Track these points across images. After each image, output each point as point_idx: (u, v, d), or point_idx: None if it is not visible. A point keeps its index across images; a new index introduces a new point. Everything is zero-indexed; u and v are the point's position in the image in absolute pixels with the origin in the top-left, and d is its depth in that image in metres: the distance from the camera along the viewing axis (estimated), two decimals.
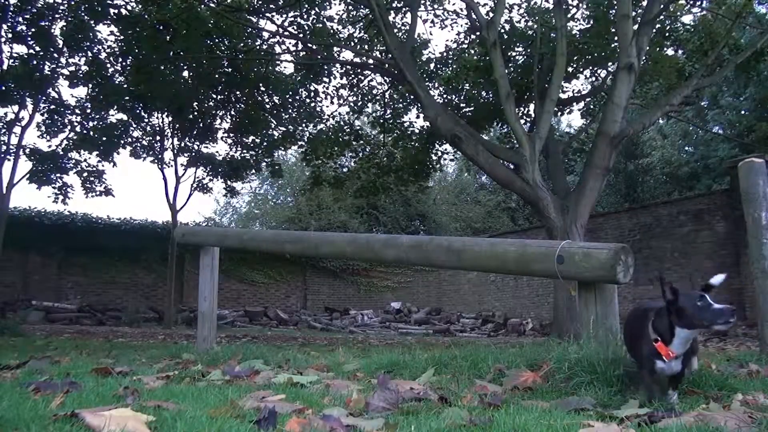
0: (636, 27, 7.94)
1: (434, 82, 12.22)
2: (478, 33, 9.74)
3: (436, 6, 11.89)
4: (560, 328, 7.62)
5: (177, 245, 11.86)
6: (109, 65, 11.26)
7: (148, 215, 19.37)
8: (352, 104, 12.79)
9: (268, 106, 12.39)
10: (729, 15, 9.47)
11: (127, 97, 11.21)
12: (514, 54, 11.42)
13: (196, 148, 13.35)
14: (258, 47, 11.67)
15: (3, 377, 2.33)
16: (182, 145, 13.16)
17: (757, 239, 3.26)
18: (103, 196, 12.25)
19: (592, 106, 12.50)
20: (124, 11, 10.34)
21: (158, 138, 12.94)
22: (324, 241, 3.79)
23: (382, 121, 12.74)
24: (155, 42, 9.85)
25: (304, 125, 13.00)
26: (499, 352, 2.65)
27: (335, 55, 11.99)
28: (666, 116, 12.89)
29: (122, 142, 12.31)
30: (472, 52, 11.91)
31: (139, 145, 12.82)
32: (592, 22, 10.82)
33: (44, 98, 10.99)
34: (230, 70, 11.55)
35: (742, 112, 19.36)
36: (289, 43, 11.66)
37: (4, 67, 10.05)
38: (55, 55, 10.72)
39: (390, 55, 8.84)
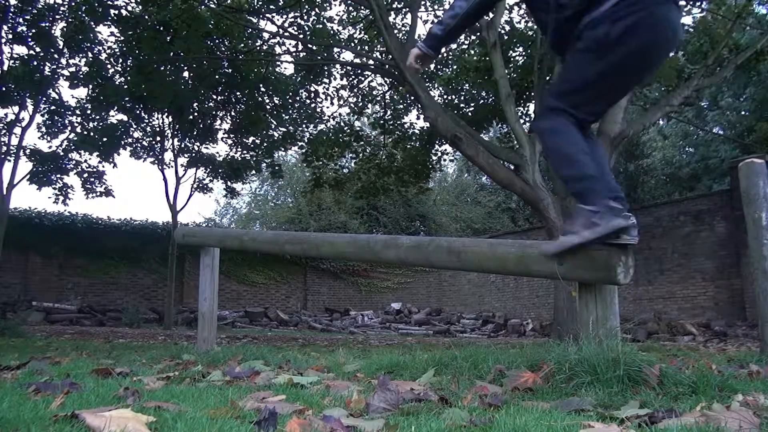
0: None
1: (434, 82, 12.23)
2: (478, 34, 9.74)
3: (436, 7, 11.89)
4: (560, 329, 7.62)
5: (177, 246, 11.87)
6: (109, 66, 11.27)
7: (148, 216, 19.45)
8: (352, 105, 12.79)
9: (268, 107, 12.39)
10: (729, 16, 9.47)
11: (127, 98, 11.21)
12: (514, 54, 11.43)
13: (196, 148, 13.36)
14: (258, 48, 11.68)
15: (3, 378, 2.33)
16: (182, 145, 13.17)
17: (758, 240, 3.26)
18: (103, 197, 12.29)
19: None
20: (124, 12, 10.35)
21: (158, 139, 12.95)
22: (324, 241, 3.78)
23: (382, 122, 12.74)
24: (155, 43, 9.85)
25: (304, 126, 13.01)
26: (500, 352, 2.64)
27: (335, 55, 12.00)
28: (666, 117, 12.90)
29: (122, 142, 12.33)
30: (472, 52, 11.91)
31: (139, 145, 12.85)
32: None
33: (44, 99, 11.00)
34: (230, 70, 11.55)
35: (742, 113, 19.36)
36: (290, 43, 11.69)
37: (5, 68, 10.06)
38: (56, 56, 10.73)
39: (390, 56, 8.85)
